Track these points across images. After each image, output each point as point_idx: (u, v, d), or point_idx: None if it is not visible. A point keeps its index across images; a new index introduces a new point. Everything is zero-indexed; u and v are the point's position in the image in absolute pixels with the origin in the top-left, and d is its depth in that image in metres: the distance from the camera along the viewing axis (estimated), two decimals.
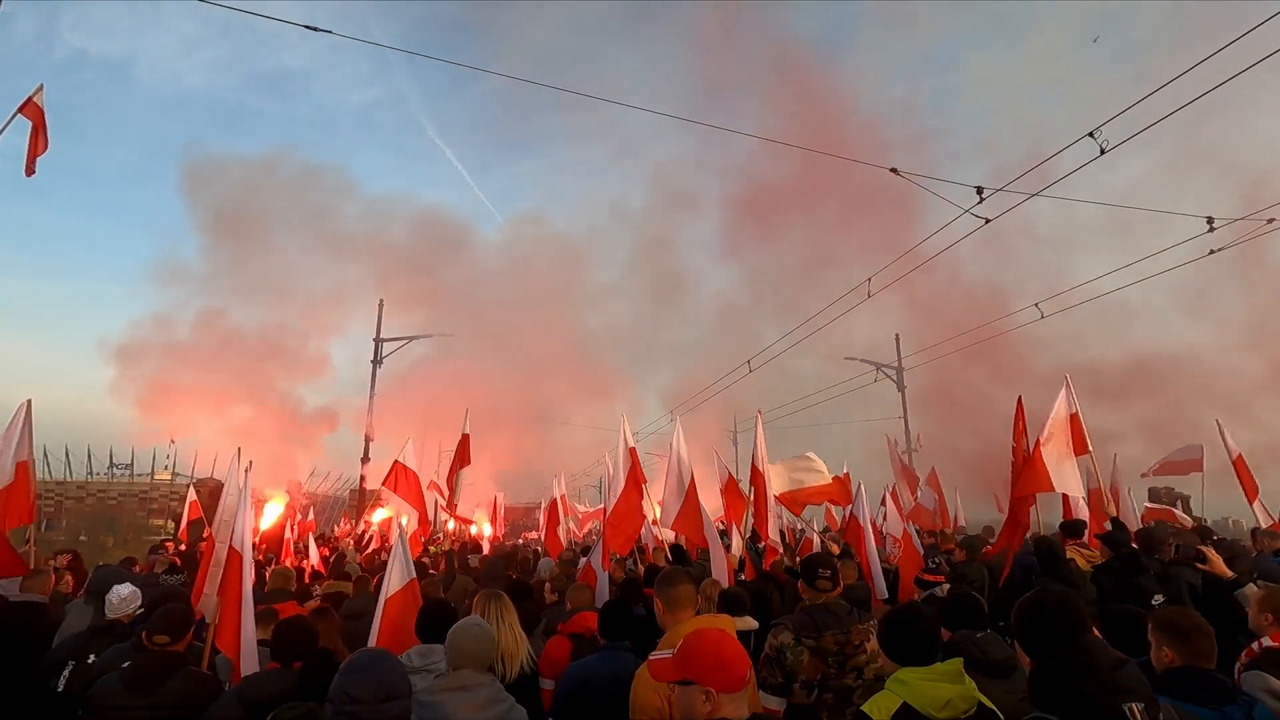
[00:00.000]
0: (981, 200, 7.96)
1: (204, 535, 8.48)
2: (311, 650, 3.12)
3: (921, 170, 8.30)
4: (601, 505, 7.98)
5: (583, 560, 7.27)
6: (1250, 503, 8.30)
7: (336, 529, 20.53)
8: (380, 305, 22.16)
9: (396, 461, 9.33)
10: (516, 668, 3.26)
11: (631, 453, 7.39)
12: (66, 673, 3.56)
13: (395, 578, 3.83)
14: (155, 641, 3.12)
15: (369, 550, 12.50)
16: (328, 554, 11.28)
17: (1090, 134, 6.76)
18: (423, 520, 9.57)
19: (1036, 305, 12.16)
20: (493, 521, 16.57)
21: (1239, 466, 8.30)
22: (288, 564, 9.00)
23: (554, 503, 11.29)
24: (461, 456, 10.23)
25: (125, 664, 3.13)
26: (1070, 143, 7.10)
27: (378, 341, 21.86)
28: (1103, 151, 6.77)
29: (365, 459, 20.64)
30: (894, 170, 8.19)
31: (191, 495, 12.57)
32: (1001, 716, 2.04)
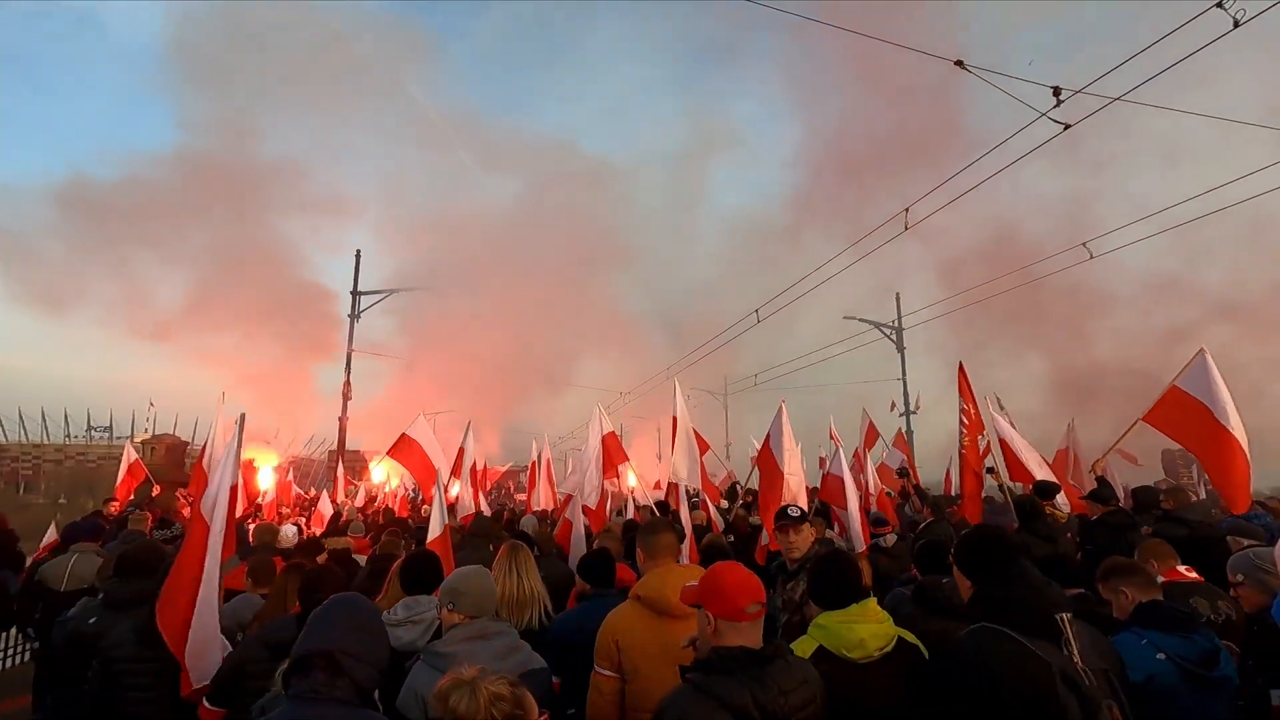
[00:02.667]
0: (1059, 103, 6.59)
1: (153, 495, 8.43)
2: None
3: (992, 66, 6.82)
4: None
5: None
6: None
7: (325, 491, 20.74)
8: (358, 257, 21.84)
9: (404, 434, 9.84)
10: (526, 617, 3.34)
11: (606, 439, 7.80)
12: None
13: (435, 524, 4.21)
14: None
15: (373, 509, 12.78)
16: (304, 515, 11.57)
17: (1219, 2, 5.31)
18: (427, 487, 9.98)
19: (1085, 245, 10.16)
20: (475, 485, 16.77)
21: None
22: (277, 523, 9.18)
23: (533, 465, 11.48)
24: (455, 469, 10.40)
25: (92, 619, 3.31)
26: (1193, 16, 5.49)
27: (355, 295, 21.58)
28: (1236, 24, 5.34)
29: (343, 417, 20.66)
30: (959, 64, 6.76)
31: (131, 453, 10.97)
32: (922, 647, 2.31)
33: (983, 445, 6.31)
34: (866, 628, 2.24)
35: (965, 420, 6.06)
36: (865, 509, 6.79)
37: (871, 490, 8.56)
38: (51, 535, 6.73)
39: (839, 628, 2.24)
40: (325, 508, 11.41)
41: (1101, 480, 6.56)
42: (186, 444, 16.50)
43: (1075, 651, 1.99)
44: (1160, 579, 3.09)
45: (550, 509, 10.43)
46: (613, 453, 8.11)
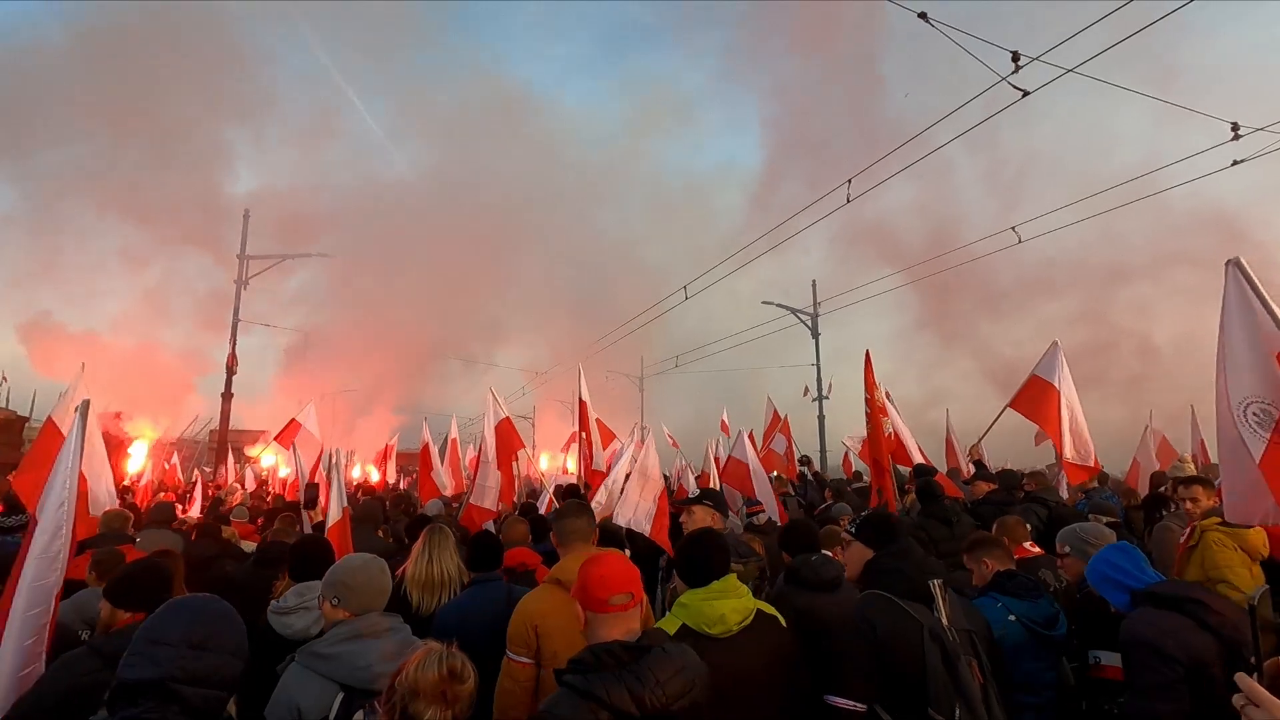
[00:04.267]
0: (1017, 69, 6.68)
1: None
2: (160, 599, 2.92)
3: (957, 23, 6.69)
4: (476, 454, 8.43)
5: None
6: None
7: (205, 472, 19.42)
8: (245, 216, 20.61)
9: (294, 420, 9.93)
10: (436, 599, 3.37)
11: (500, 426, 7.85)
12: None
13: (334, 508, 4.11)
14: None
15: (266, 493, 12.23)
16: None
17: None
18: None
19: (1014, 229, 10.68)
20: (382, 466, 16.35)
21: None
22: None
23: (425, 446, 11.38)
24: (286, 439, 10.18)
25: None
26: None
27: (242, 259, 20.35)
28: None
29: (227, 394, 19.51)
30: (923, 16, 6.60)
31: None
32: (780, 617, 2.47)
33: (888, 430, 6.75)
34: (727, 603, 2.33)
35: (869, 407, 6.43)
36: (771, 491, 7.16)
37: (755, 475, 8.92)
38: None
39: (701, 605, 2.32)
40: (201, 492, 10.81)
41: (979, 464, 7.29)
42: (26, 420, 14.78)
43: (945, 614, 2.39)
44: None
45: (454, 494, 10.35)
46: (508, 440, 8.10)
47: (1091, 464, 6.54)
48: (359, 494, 10.56)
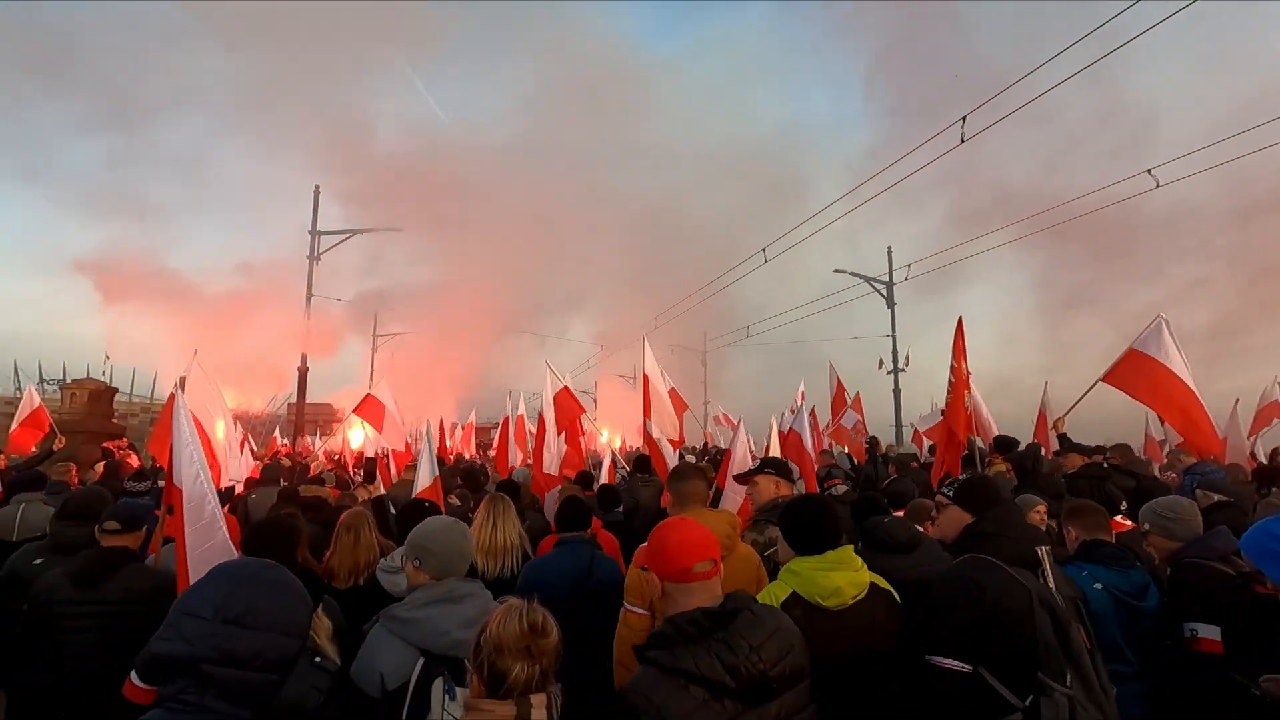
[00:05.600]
0: None
1: (54, 448, 8.31)
2: (286, 552, 2.93)
3: None
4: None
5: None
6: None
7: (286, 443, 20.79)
8: (316, 192, 21.11)
9: (370, 394, 10.50)
10: (500, 565, 3.58)
11: (559, 396, 7.98)
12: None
13: (425, 475, 4.28)
14: (106, 529, 3.19)
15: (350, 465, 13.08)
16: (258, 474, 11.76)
17: None
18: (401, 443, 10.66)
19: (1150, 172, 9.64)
20: (450, 437, 17.22)
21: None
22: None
23: (505, 421, 11.82)
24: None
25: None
26: None
27: (314, 235, 20.84)
28: None
29: (303, 368, 20.34)
30: None
31: (34, 399, 9.82)
32: (894, 592, 2.38)
33: (969, 403, 6.59)
34: (843, 575, 2.23)
35: (953, 378, 6.32)
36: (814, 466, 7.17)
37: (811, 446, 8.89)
38: None
39: (814, 574, 2.21)
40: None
41: (1064, 438, 7.10)
42: (115, 391, 16.32)
43: (1051, 580, 2.37)
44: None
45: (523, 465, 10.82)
46: (568, 410, 8.25)
47: (1217, 437, 6.36)
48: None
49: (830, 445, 12.28)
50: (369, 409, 10.64)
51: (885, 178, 12.40)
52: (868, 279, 21.94)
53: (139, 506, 3.50)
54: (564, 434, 7.96)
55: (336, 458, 14.73)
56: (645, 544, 1.98)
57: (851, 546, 2.38)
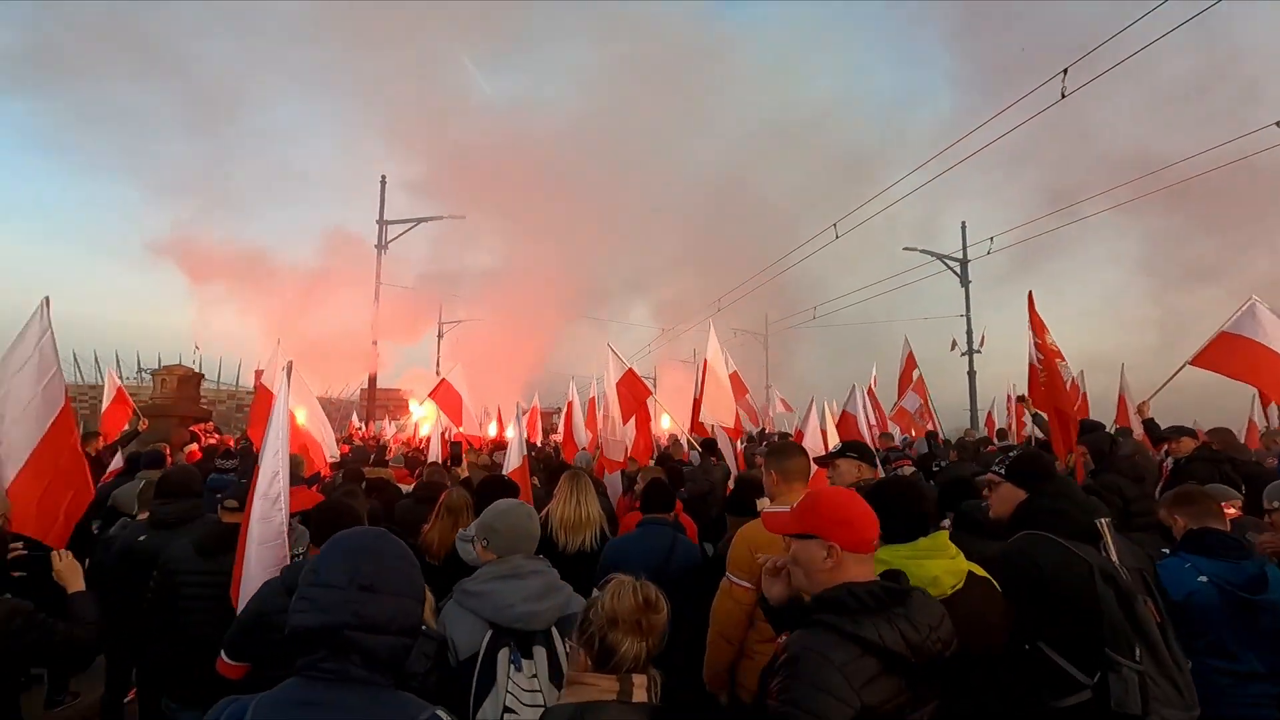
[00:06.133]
0: None
1: (139, 429, 8.62)
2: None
3: None
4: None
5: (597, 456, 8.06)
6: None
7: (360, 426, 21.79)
8: (383, 183, 21.64)
9: (444, 380, 10.88)
10: (581, 539, 3.71)
11: (623, 379, 7.96)
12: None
13: (515, 456, 4.42)
14: (226, 506, 3.47)
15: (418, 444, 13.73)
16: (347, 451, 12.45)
17: None
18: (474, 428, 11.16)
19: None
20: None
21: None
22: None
23: (570, 405, 12.05)
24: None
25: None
26: None
27: (381, 224, 21.36)
28: None
29: (374, 355, 21.18)
30: None
31: (115, 382, 9.59)
32: (993, 580, 2.23)
33: (1068, 378, 6.34)
34: (939, 564, 2.10)
35: (1040, 352, 6.05)
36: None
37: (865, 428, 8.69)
38: (118, 462, 7.45)
39: (907, 564, 2.03)
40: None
41: (1150, 423, 6.77)
42: (201, 377, 17.69)
43: (1113, 552, 2.29)
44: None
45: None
46: (635, 393, 8.14)
47: None
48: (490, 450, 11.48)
49: (891, 428, 12.04)
50: (443, 395, 11.00)
51: (969, 144, 11.80)
52: (940, 256, 21.08)
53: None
54: (634, 418, 7.98)
55: (408, 440, 15.43)
56: (790, 514, 1.86)
57: (946, 532, 2.30)
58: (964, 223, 21.01)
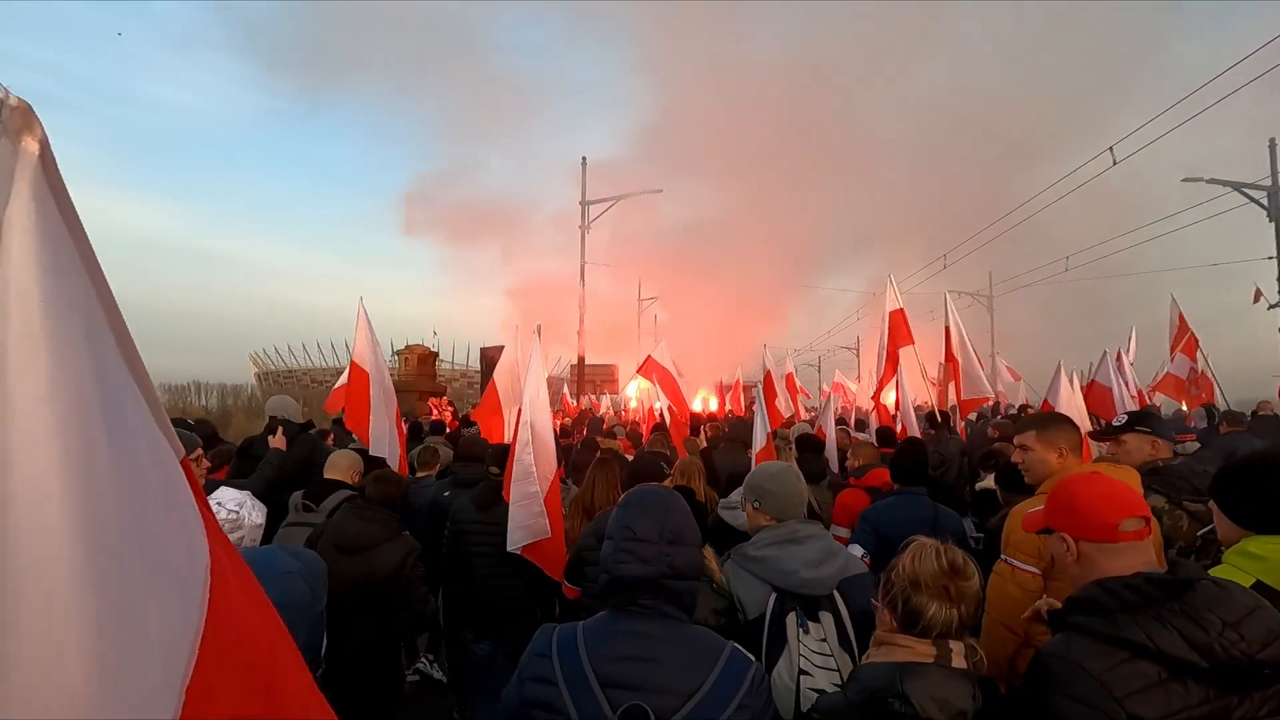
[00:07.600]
0: None
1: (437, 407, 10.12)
2: None
3: None
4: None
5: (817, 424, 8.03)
6: None
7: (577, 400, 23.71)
8: (583, 163, 22.11)
9: (650, 356, 11.36)
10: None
11: (893, 317, 7.70)
12: None
13: (760, 435, 4.60)
14: (491, 471, 4.20)
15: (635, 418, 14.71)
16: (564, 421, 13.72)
17: None
18: (680, 404, 11.37)
19: None
20: (721, 395, 18.21)
21: None
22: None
23: (768, 376, 12.01)
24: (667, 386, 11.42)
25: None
26: None
27: (583, 204, 21.90)
28: None
29: (581, 331, 21.96)
30: None
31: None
32: None
33: None
34: None
35: None
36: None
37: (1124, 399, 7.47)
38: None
39: None
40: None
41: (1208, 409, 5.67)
42: (436, 355, 20.40)
43: None
44: None
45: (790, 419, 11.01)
46: (898, 333, 7.81)
47: None
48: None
49: (1153, 398, 10.47)
50: (651, 371, 11.49)
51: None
52: (1238, 186, 17.09)
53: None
54: (890, 364, 7.75)
55: (622, 414, 16.60)
56: (1036, 509, 1.76)
57: None
58: (1273, 140, 16.76)
